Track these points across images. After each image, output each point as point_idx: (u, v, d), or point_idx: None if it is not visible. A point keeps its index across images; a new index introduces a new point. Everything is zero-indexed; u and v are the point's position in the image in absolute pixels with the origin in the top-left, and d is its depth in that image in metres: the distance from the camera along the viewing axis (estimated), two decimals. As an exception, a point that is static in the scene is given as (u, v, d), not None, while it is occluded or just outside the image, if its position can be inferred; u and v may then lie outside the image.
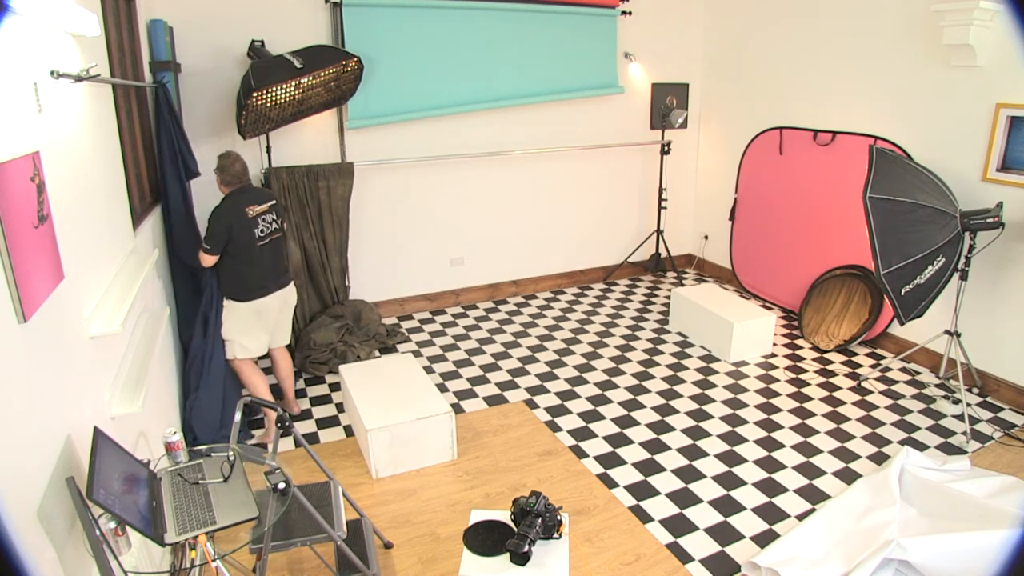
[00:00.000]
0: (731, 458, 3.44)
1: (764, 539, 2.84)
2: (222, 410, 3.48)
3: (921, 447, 3.52)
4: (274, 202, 3.53)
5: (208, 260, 3.36)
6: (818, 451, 3.50)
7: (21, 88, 1.64)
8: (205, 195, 4.11)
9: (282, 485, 1.94)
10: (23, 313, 1.46)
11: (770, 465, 3.38)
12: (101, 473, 1.61)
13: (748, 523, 2.95)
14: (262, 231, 3.43)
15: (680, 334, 5.01)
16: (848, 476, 3.28)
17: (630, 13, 5.52)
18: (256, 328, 3.54)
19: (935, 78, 4.12)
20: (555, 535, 2.38)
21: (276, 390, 4.05)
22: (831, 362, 4.53)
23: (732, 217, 5.86)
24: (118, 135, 2.81)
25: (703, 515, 3.00)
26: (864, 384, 4.22)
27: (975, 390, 4.09)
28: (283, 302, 3.64)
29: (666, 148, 5.87)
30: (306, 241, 4.63)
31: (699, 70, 6.06)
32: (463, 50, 4.95)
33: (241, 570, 2.49)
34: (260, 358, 3.94)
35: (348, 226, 4.77)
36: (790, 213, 5.28)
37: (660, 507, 3.06)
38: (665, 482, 3.24)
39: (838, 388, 4.17)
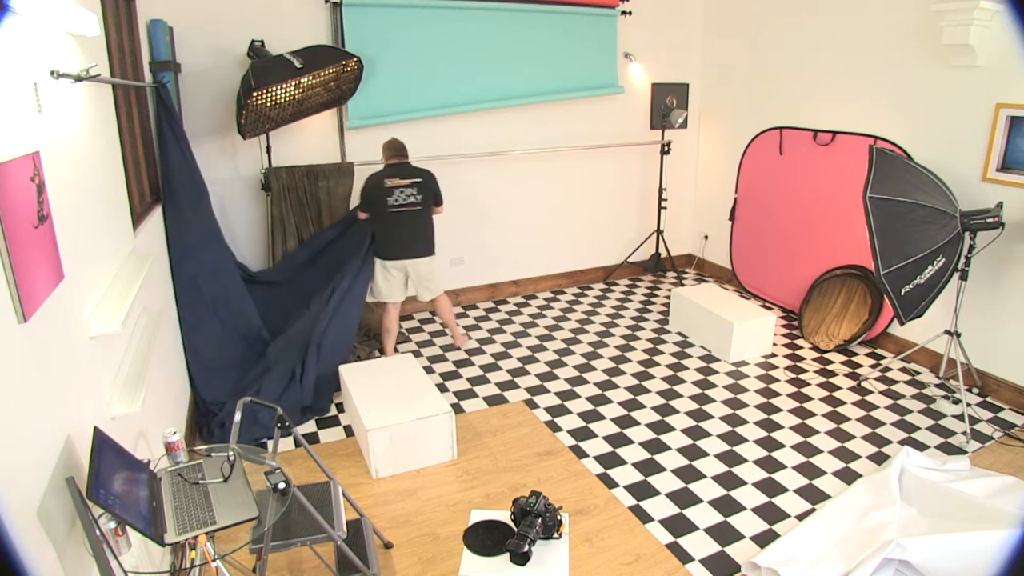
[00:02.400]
0: (731, 458, 3.44)
1: (764, 539, 2.84)
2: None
3: (921, 447, 3.52)
4: (420, 180, 4.16)
5: (361, 215, 4.26)
6: (818, 451, 3.50)
7: (21, 88, 1.64)
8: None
9: (282, 485, 1.94)
10: (23, 313, 1.46)
11: (770, 465, 3.38)
12: (101, 473, 1.61)
13: (748, 523, 2.95)
14: (395, 200, 4.11)
15: (680, 334, 5.01)
16: (848, 476, 3.28)
17: (630, 13, 5.52)
18: (387, 281, 4.30)
19: (935, 78, 4.12)
20: (555, 535, 2.38)
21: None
22: (831, 362, 4.53)
23: (732, 217, 5.86)
24: (118, 135, 2.81)
25: (703, 515, 3.00)
26: (864, 384, 4.22)
27: (975, 390, 4.09)
28: (411, 271, 4.31)
29: (666, 148, 5.87)
30: (306, 241, 4.63)
31: (699, 70, 6.06)
32: (463, 50, 4.95)
33: (241, 570, 2.49)
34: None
35: (348, 226, 4.78)
36: (790, 213, 5.28)
37: (660, 507, 3.06)
38: (665, 482, 3.24)
39: (838, 388, 4.17)
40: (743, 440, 3.60)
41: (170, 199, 3.60)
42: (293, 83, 3.96)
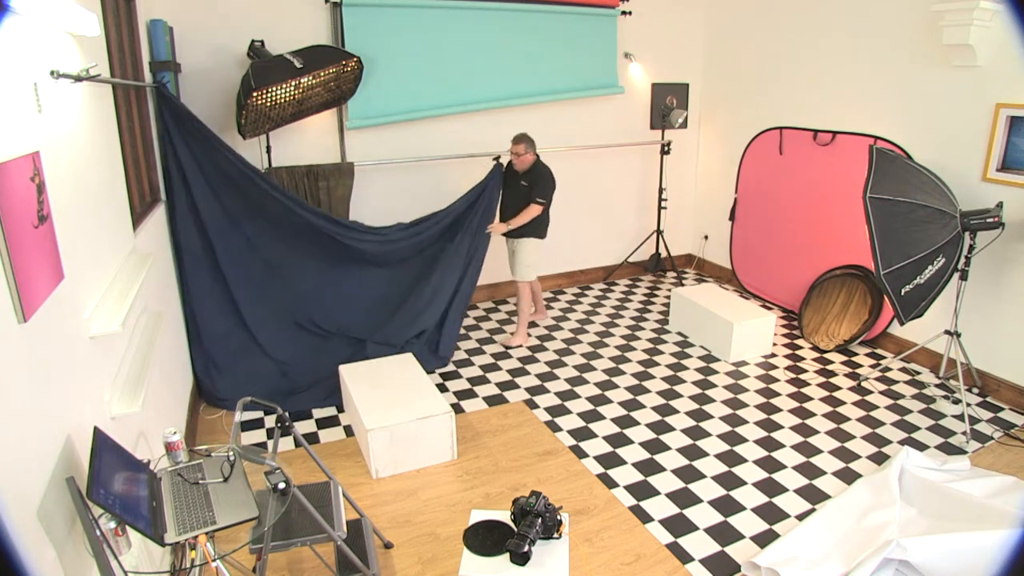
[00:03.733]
0: (731, 458, 3.44)
1: (764, 539, 2.84)
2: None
3: (921, 447, 3.52)
4: None
5: (540, 210, 4.53)
6: (818, 451, 3.50)
7: (21, 88, 1.64)
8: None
9: (282, 485, 1.94)
10: (23, 313, 1.46)
11: (770, 465, 3.38)
12: (101, 473, 1.61)
13: (748, 523, 2.95)
14: None
15: (680, 334, 5.01)
16: (848, 476, 3.28)
17: (630, 13, 5.52)
18: (541, 256, 4.83)
19: (935, 78, 4.12)
20: (555, 535, 2.38)
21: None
22: (831, 362, 4.53)
23: (732, 217, 5.86)
24: (118, 135, 2.81)
25: (703, 515, 3.00)
26: (864, 384, 4.22)
27: (975, 390, 4.09)
28: None
29: (666, 148, 5.86)
30: (306, 241, 4.62)
31: (699, 70, 6.06)
32: (463, 50, 4.95)
33: (241, 570, 2.49)
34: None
35: (348, 226, 4.77)
36: (790, 213, 5.28)
37: (660, 507, 3.06)
38: (665, 482, 3.24)
39: (838, 388, 4.17)
40: (743, 440, 3.60)
41: (196, 189, 3.80)
42: (293, 83, 3.96)
